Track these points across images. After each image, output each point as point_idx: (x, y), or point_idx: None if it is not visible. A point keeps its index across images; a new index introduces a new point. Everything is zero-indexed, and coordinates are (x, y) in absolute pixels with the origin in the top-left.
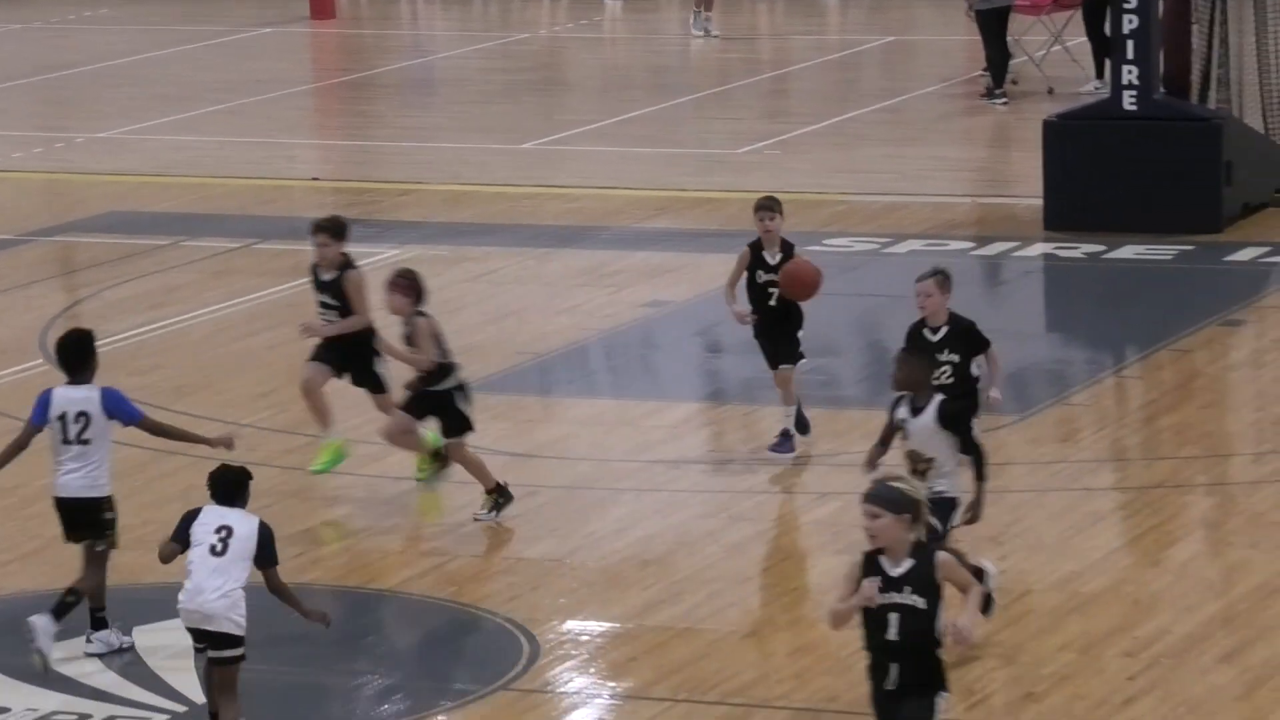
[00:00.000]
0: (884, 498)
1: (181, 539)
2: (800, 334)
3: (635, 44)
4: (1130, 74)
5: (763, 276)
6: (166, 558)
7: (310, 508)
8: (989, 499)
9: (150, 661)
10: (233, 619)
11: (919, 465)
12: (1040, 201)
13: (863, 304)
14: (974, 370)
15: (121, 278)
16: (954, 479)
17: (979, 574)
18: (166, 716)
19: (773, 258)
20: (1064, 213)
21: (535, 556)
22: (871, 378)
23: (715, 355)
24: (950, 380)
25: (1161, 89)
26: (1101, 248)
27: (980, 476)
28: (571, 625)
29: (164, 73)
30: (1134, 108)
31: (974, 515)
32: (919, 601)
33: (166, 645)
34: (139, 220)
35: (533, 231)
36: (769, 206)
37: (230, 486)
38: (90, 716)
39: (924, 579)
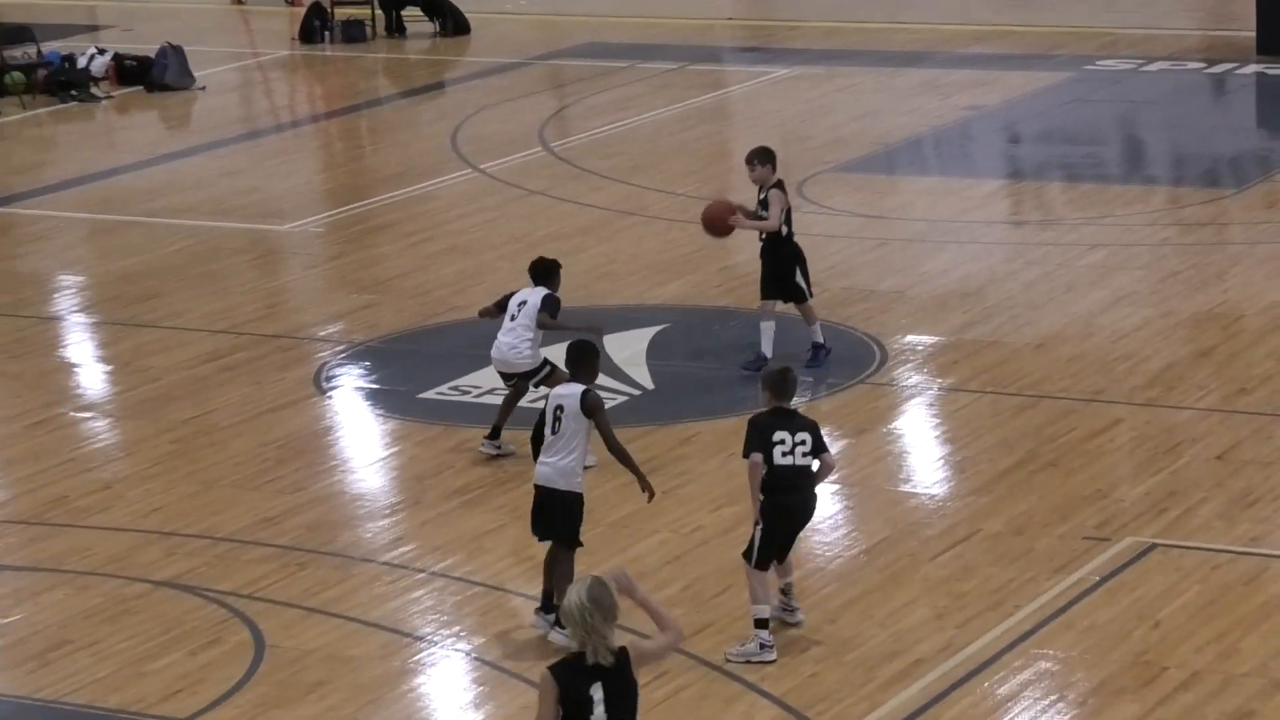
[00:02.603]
0: None
1: (500, 306)
2: (798, 277)
3: None
4: None
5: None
6: (483, 314)
7: (717, 260)
8: None
9: (616, 359)
10: (519, 362)
11: None
12: (1254, 33)
13: (1122, 108)
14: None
15: (594, 90)
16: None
17: None
18: (626, 398)
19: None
20: (1272, 41)
21: (885, 289)
22: (1128, 161)
23: (1015, 145)
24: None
25: None
26: None
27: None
28: (910, 338)
29: None
30: None
31: None
32: None
33: (625, 348)
34: (607, 48)
35: (884, 56)
36: (749, 159)
37: (541, 271)
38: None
39: None
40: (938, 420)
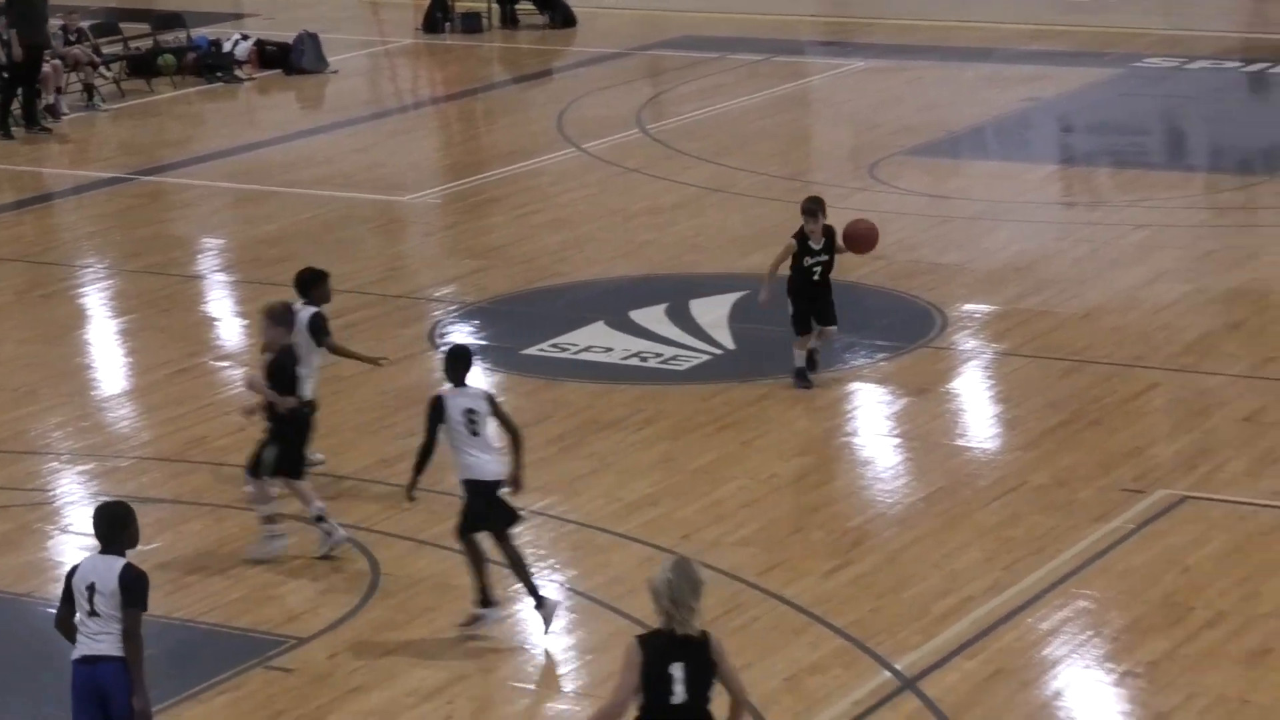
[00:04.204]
0: None
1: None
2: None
3: None
4: None
5: (809, 261)
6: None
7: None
8: None
9: (700, 321)
10: None
11: None
12: None
13: (1166, 102)
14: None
15: (688, 78)
16: None
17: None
18: (710, 356)
19: (817, 244)
20: None
21: (947, 262)
22: (1170, 150)
23: (1068, 134)
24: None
25: None
26: None
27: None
28: (969, 307)
29: None
30: None
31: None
32: None
33: (710, 311)
34: (700, 41)
35: (951, 51)
36: (812, 211)
37: (304, 283)
38: (662, 354)
39: None
40: (991, 382)
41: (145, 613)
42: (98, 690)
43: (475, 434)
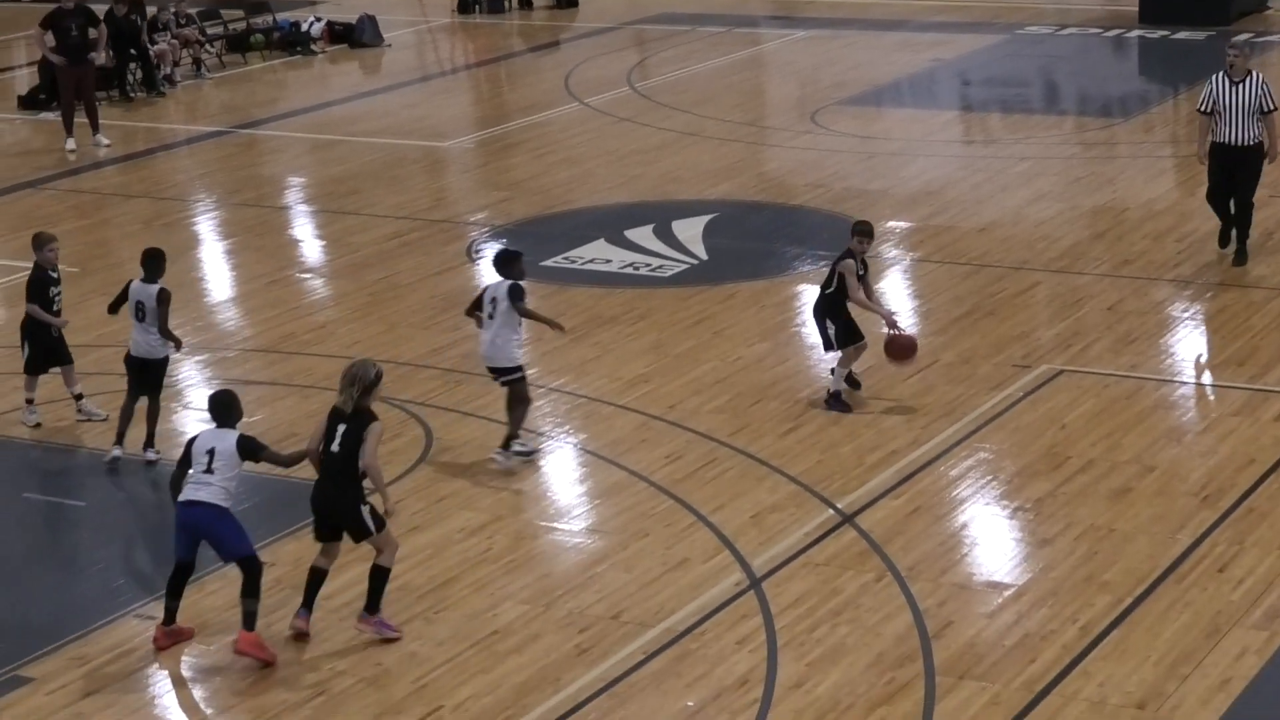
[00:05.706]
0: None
1: (477, 304)
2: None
3: None
4: None
5: (860, 272)
6: (467, 314)
7: (754, 169)
8: None
9: (680, 237)
10: (497, 357)
11: None
12: (1137, 7)
13: (1043, 61)
14: None
15: (668, 46)
16: None
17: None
18: (688, 265)
19: (861, 269)
20: (1149, 12)
21: (873, 189)
22: (1046, 99)
23: (967, 86)
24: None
25: None
26: (1167, 32)
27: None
28: (891, 224)
29: None
30: None
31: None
32: None
33: (688, 230)
34: (676, 16)
35: (874, 22)
36: (867, 232)
37: (500, 262)
38: (650, 264)
39: None
40: (910, 282)
41: (258, 462)
42: (194, 526)
43: (140, 319)
